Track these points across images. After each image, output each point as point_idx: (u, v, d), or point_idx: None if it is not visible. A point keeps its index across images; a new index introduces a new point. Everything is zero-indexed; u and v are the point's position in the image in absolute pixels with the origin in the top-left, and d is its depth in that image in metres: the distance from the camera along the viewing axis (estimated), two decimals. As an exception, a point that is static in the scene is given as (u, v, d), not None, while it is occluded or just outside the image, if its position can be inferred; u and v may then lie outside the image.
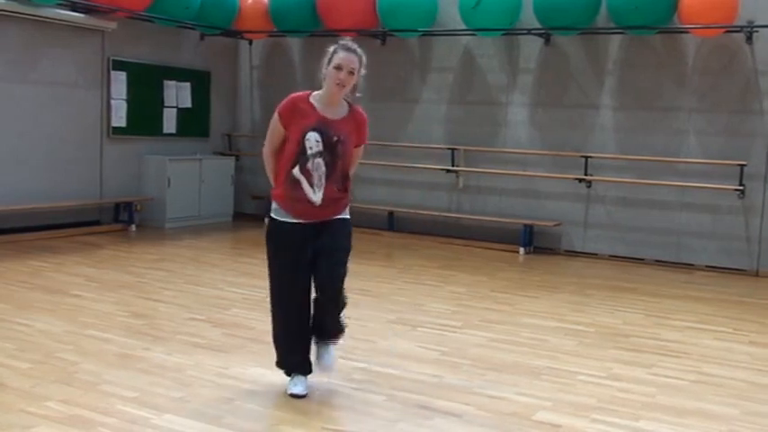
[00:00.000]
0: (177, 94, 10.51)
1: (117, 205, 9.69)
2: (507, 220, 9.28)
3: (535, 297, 6.74)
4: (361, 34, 9.81)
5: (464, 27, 9.08)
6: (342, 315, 4.12)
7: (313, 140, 3.87)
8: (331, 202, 3.94)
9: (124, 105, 9.76)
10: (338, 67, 3.89)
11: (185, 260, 7.82)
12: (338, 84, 3.90)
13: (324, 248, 3.92)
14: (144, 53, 9.95)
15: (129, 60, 9.75)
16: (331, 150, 3.89)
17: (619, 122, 8.91)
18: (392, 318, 5.79)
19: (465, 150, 9.61)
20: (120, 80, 9.66)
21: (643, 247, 8.79)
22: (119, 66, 9.62)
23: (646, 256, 8.77)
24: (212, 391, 4.06)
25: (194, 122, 10.82)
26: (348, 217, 4.08)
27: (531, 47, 9.28)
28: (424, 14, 9.26)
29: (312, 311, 4.03)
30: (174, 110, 10.50)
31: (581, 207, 9.12)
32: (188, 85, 10.63)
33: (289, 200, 3.93)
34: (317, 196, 3.89)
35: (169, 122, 10.44)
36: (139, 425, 3.57)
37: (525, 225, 9.11)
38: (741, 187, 8.13)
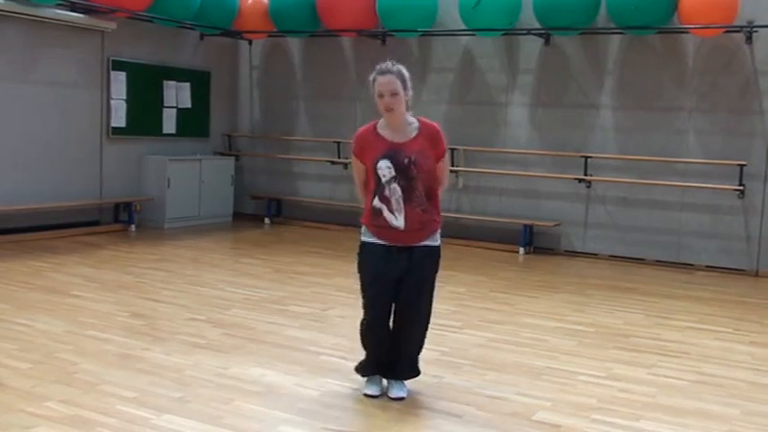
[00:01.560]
0: (177, 95, 10.51)
1: (117, 205, 9.69)
2: (507, 220, 9.28)
3: (535, 297, 6.74)
4: (361, 34, 9.82)
5: (464, 27, 9.08)
6: (419, 356, 4.14)
7: (384, 168, 3.89)
8: (417, 225, 3.93)
9: (124, 105, 9.76)
10: (380, 95, 3.89)
11: (185, 260, 7.82)
12: (386, 110, 3.90)
13: (405, 279, 3.94)
14: (144, 53, 9.95)
15: (129, 60, 9.75)
16: (404, 173, 3.88)
17: (619, 122, 8.91)
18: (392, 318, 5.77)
19: (465, 150, 9.61)
20: (119, 80, 9.66)
21: (643, 247, 8.79)
22: (118, 66, 9.62)
23: (646, 257, 8.77)
24: (212, 391, 4.06)
25: (194, 123, 10.82)
26: (437, 244, 4.04)
27: (530, 47, 9.28)
28: (424, 15, 9.26)
29: (395, 346, 4.06)
30: (174, 110, 10.50)
31: (581, 207, 9.12)
32: (188, 85, 10.63)
33: (373, 226, 3.98)
34: (399, 221, 3.91)
35: (169, 123, 10.44)
36: (139, 425, 3.57)
37: (525, 225, 9.12)
38: (741, 187, 8.14)
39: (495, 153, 9.53)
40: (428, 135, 3.98)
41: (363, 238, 4.04)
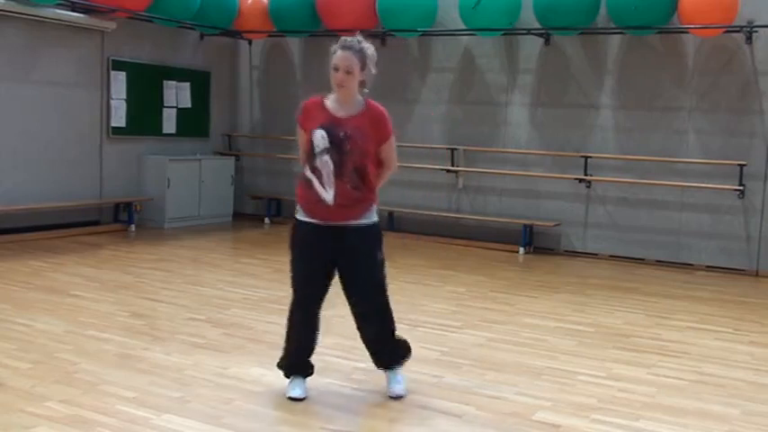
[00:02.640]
0: (177, 95, 10.51)
1: (117, 205, 9.69)
2: (507, 220, 9.28)
3: (535, 297, 6.74)
4: (361, 34, 9.80)
5: (464, 27, 9.08)
6: (396, 333, 4.07)
7: (319, 137, 3.83)
8: (347, 202, 3.84)
9: (124, 105, 9.76)
10: (335, 68, 3.89)
11: (185, 260, 7.82)
12: (337, 84, 3.88)
13: (347, 261, 3.90)
14: (144, 53, 9.95)
15: (129, 60, 9.75)
16: (338, 147, 3.82)
17: (618, 122, 8.91)
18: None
19: (465, 150, 9.61)
20: (119, 80, 9.66)
21: (643, 247, 8.79)
22: (118, 66, 9.62)
23: (646, 257, 8.77)
24: (212, 391, 4.06)
25: (194, 122, 10.82)
26: (373, 221, 3.97)
27: (530, 47, 9.27)
28: (424, 14, 9.26)
29: (360, 334, 4.03)
30: (174, 110, 10.50)
31: (581, 207, 9.12)
32: (188, 85, 10.62)
33: (304, 200, 3.93)
34: (329, 195, 3.82)
35: (169, 122, 10.44)
36: (139, 425, 3.57)
37: (525, 225, 9.11)
38: (741, 187, 8.14)
39: (495, 153, 9.53)
40: (372, 117, 3.92)
41: (297, 216, 3.97)
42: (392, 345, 4.10)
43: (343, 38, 3.97)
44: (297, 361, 4.06)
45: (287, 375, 4.08)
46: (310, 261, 3.92)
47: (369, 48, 3.94)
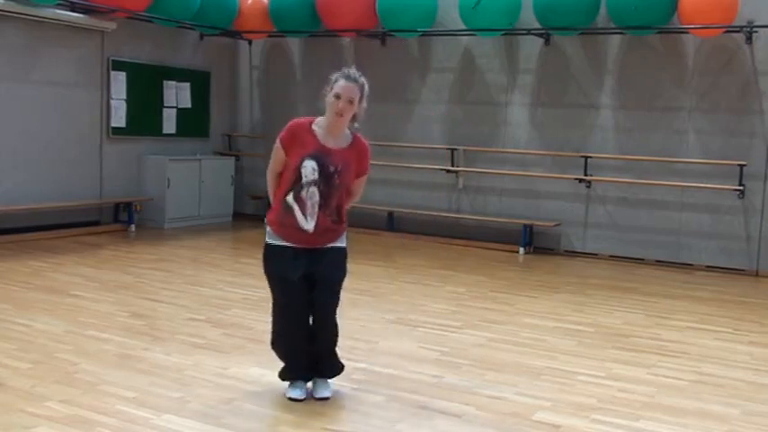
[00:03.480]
0: (177, 95, 10.51)
1: (117, 205, 9.69)
2: (507, 220, 9.28)
3: (535, 297, 6.74)
4: (361, 34, 9.82)
5: (464, 27, 9.08)
6: (337, 351, 4.11)
7: (309, 168, 3.84)
8: (325, 231, 3.91)
9: (124, 105, 9.76)
10: (337, 96, 3.87)
11: (185, 260, 7.82)
12: (337, 113, 3.87)
13: (319, 280, 3.92)
14: (144, 53, 9.96)
15: (129, 60, 9.75)
16: (327, 180, 3.85)
17: (618, 122, 8.91)
18: (392, 318, 5.78)
19: (465, 150, 9.61)
20: (119, 80, 9.67)
21: (643, 247, 8.79)
22: (118, 66, 9.63)
23: (645, 257, 8.77)
24: (212, 391, 4.06)
25: (194, 123, 10.82)
26: (344, 245, 4.05)
27: (530, 47, 9.28)
28: (424, 15, 9.26)
29: (316, 346, 4.04)
30: (174, 110, 10.50)
31: (581, 207, 9.12)
32: (188, 85, 10.63)
33: (280, 225, 3.92)
34: (309, 225, 3.86)
35: (169, 123, 10.44)
36: (139, 425, 3.57)
37: (525, 225, 9.11)
38: (741, 187, 8.14)
39: (495, 153, 9.53)
40: (358, 151, 3.99)
41: (269, 240, 3.97)
42: (334, 359, 4.12)
43: (344, 69, 3.97)
44: (297, 370, 4.06)
45: (286, 381, 4.08)
46: (292, 282, 3.89)
47: (366, 83, 3.98)
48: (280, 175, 4.00)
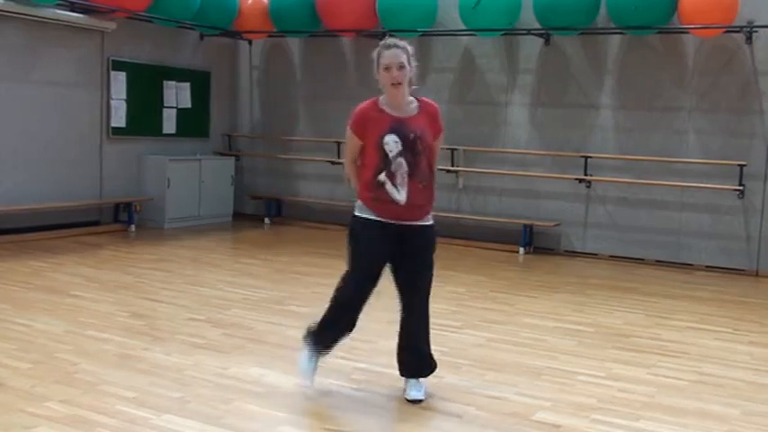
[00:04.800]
0: (177, 95, 10.51)
1: (117, 205, 9.69)
2: (507, 220, 9.28)
3: (535, 297, 6.74)
4: (361, 35, 9.82)
5: (464, 27, 9.08)
6: (431, 348, 4.10)
7: (392, 143, 3.87)
8: (418, 200, 3.91)
9: (124, 106, 9.76)
10: (387, 68, 3.89)
11: (185, 260, 7.82)
12: (393, 84, 3.89)
13: (407, 260, 3.94)
14: (144, 53, 9.96)
15: (129, 60, 9.75)
16: (411, 148, 3.88)
17: (618, 122, 8.92)
18: (392, 318, 5.77)
19: (465, 150, 9.61)
20: (119, 80, 9.66)
21: (643, 247, 8.79)
22: (118, 66, 9.62)
23: (645, 257, 8.77)
24: (212, 391, 4.06)
25: (194, 123, 10.82)
26: (431, 223, 4.05)
27: (530, 47, 9.28)
28: (424, 14, 9.26)
29: (401, 332, 4.05)
30: (174, 110, 10.50)
31: (581, 207, 9.12)
32: (188, 85, 10.63)
33: (372, 201, 3.94)
34: (401, 195, 3.87)
35: (169, 123, 10.44)
36: (139, 425, 3.57)
37: (525, 225, 9.11)
38: (741, 187, 8.14)
39: (494, 153, 9.53)
40: (428, 113, 4.04)
41: (357, 213, 3.98)
42: (426, 357, 4.09)
43: (383, 41, 3.98)
44: (323, 341, 4.05)
45: (309, 345, 4.06)
46: (375, 256, 3.92)
47: (408, 45, 4.01)
48: (356, 161, 4.04)
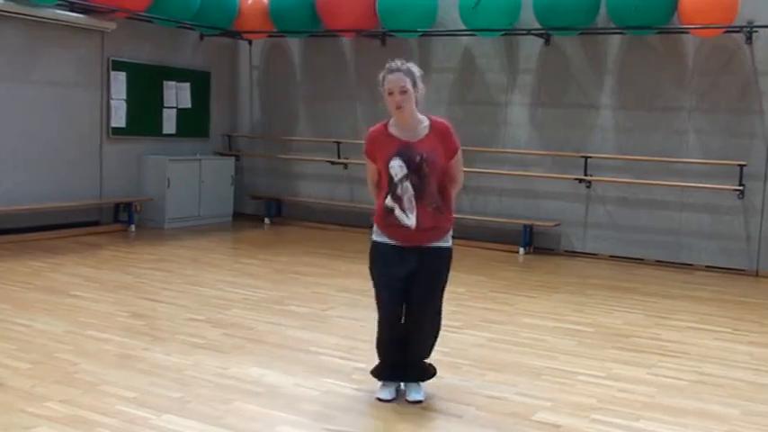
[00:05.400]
0: (177, 95, 10.51)
1: (117, 206, 9.69)
2: (507, 221, 9.28)
3: (535, 297, 6.74)
4: (361, 35, 9.82)
5: (464, 27, 9.08)
6: (428, 357, 4.13)
7: (396, 167, 3.87)
8: (428, 224, 3.92)
9: (124, 106, 9.76)
10: (390, 93, 3.88)
11: (185, 260, 7.82)
12: (397, 108, 3.88)
13: (417, 281, 3.94)
14: (144, 53, 9.96)
15: (129, 61, 9.75)
16: (417, 171, 3.87)
17: (618, 122, 8.92)
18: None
19: (465, 150, 9.56)
20: (119, 80, 9.67)
21: (643, 247, 8.79)
22: (118, 66, 9.63)
23: (645, 257, 8.77)
24: (212, 391, 4.06)
25: (194, 123, 10.82)
26: (448, 245, 4.06)
27: (530, 47, 9.28)
28: (424, 15, 9.26)
29: (403, 347, 4.05)
30: (174, 110, 10.51)
31: (581, 207, 9.12)
32: (188, 85, 10.63)
33: (385, 226, 3.96)
34: (410, 220, 3.88)
35: (169, 123, 10.44)
36: (139, 425, 3.57)
37: (525, 225, 9.11)
38: (741, 187, 8.14)
39: (495, 153, 9.53)
40: (438, 133, 4.00)
41: (374, 238, 4.04)
42: (422, 366, 4.13)
43: (388, 64, 3.97)
44: (386, 369, 4.08)
45: (379, 380, 4.11)
46: (391, 283, 3.93)
47: (414, 66, 3.98)
48: (377, 183, 4.06)
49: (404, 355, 4.07)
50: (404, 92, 3.87)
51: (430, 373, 4.15)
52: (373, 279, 4.04)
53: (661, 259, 8.69)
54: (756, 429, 3.85)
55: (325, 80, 10.63)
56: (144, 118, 10.04)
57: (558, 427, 3.76)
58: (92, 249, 8.17)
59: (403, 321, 4.03)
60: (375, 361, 4.60)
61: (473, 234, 9.51)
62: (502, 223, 9.33)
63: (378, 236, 4.01)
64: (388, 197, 3.92)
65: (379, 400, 3.99)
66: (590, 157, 8.85)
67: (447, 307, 6.13)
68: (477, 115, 9.64)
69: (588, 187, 9.00)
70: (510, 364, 4.75)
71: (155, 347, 4.78)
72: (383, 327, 4.03)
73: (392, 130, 3.98)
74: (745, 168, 8.13)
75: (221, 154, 11.16)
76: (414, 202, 3.88)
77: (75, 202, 9.10)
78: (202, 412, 3.76)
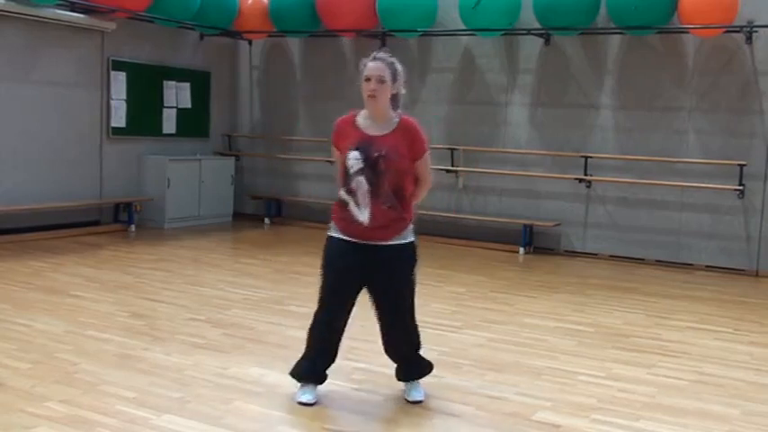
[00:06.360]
0: (177, 95, 10.51)
1: (117, 206, 9.69)
2: (507, 220, 9.28)
3: (535, 297, 6.74)
4: (361, 35, 9.82)
5: (464, 27, 9.08)
6: (421, 351, 4.08)
7: (353, 159, 3.78)
8: (382, 221, 3.81)
9: (124, 106, 9.76)
10: (367, 79, 3.82)
11: (185, 260, 7.82)
12: (370, 95, 3.79)
13: (380, 280, 3.88)
14: (144, 53, 9.95)
15: (129, 61, 9.75)
16: (373, 167, 3.76)
17: (618, 122, 8.91)
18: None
19: (465, 150, 9.60)
20: (119, 80, 9.67)
21: (643, 247, 8.79)
22: (118, 66, 9.62)
23: (645, 257, 8.77)
24: (212, 391, 4.06)
25: (194, 123, 10.82)
26: (409, 240, 3.94)
27: (530, 47, 9.27)
28: (424, 15, 9.26)
29: (384, 348, 4.02)
30: (174, 110, 10.50)
31: (581, 207, 9.12)
32: (188, 85, 10.63)
33: (339, 220, 3.90)
34: (363, 216, 3.79)
35: (169, 123, 10.44)
36: (139, 425, 3.57)
37: (525, 225, 9.11)
38: (741, 187, 8.13)
39: (495, 153, 9.53)
40: (406, 132, 3.85)
41: (329, 233, 3.96)
42: (416, 362, 4.09)
43: (373, 53, 3.93)
44: (313, 370, 3.98)
45: (299, 381, 4.00)
46: (341, 273, 3.87)
47: (399, 64, 3.92)
48: None
49: (395, 358, 4.05)
50: (381, 81, 3.79)
51: (426, 368, 4.10)
52: (323, 274, 3.92)
53: (661, 259, 8.69)
54: (757, 429, 3.85)
55: (326, 80, 10.62)
56: (144, 118, 10.04)
57: (558, 427, 3.76)
58: (92, 249, 8.17)
59: (380, 328, 3.96)
60: (375, 361, 4.61)
61: (473, 234, 9.52)
62: (502, 223, 9.33)
63: (333, 231, 3.93)
64: (343, 189, 3.85)
65: (301, 404, 3.87)
66: (590, 157, 8.85)
67: (447, 307, 6.18)
68: (477, 115, 9.63)
69: (588, 187, 9.00)
70: (510, 364, 4.75)
71: (155, 347, 4.78)
72: (320, 325, 3.94)
73: (359, 121, 3.90)
74: (745, 168, 8.13)
75: (221, 154, 11.16)
76: (368, 198, 3.78)
77: (75, 202, 9.09)
78: (202, 412, 3.76)
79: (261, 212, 10.97)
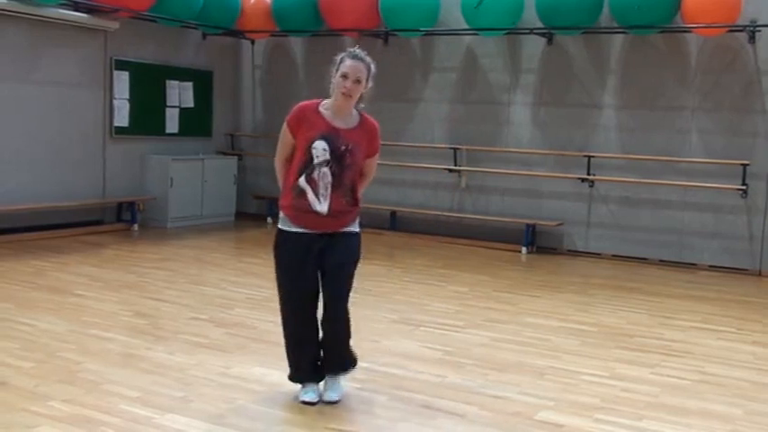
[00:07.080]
0: (180, 94, 10.51)
1: (120, 205, 9.70)
2: (510, 220, 9.27)
3: (538, 297, 6.74)
4: (364, 34, 9.81)
5: (466, 27, 9.08)
6: (351, 342, 4.04)
7: (320, 149, 3.80)
8: (338, 213, 3.86)
9: (127, 105, 9.76)
10: (344, 76, 3.83)
11: (188, 260, 7.83)
12: (344, 93, 3.83)
13: (331, 266, 3.87)
14: (146, 53, 9.96)
15: (132, 60, 9.76)
16: (338, 160, 3.81)
17: (621, 122, 8.91)
18: (395, 317, 5.78)
19: (467, 150, 9.60)
20: (122, 80, 9.67)
21: (646, 246, 8.78)
22: (121, 65, 9.63)
23: (648, 256, 8.76)
24: (215, 390, 4.07)
25: (197, 122, 10.82)
26: (357, 230, 4.00)
27: (533, 46, 9.27)
28: (427, 14, 9.26)
29: (323, 341, 3.97)
30: (177, 109, 10.51)
31: (583, 206, 9.11)
32: (190, 84, 10.63)
33: (294, 210, 3.88)
34: (322, 206, 3.81)
35: (171, 122, 10.44)
36: (142, 424, 3.57)
37: (528, 225, 9.11)
38: (744, 187, 8.12)
39: (497, 152, 9.52)
40: (367, 130, 3.94)
41: (281, 226, 3.93)
42: (345, 352, 4.03)
43: (350, 49, 3.95)
44: (309, 369, 3.98)
45: (301, 383, 3.99)
46: (303, 271, 3.85)
47: (373, 64, 3.95)
48: (288, 160, 3.97)
49: (323, 348, 3.96)
50: (357, 81, 3.83)
51: (352, 361, 4.03)
52: (280, 273, 3.90)
53: (664, 259, 8.68)
54: (759, 429, 3.84)
55: (328, 80, 10.54)
56: (147, 117, 10.04)
57: (561, 426, 3.76)
58: (95, 249, 8.18)
59: (323, 316, 3.92)
60: (376, 361, 4.61)
61: (476, 233, 9.52)
62: (505, 223, 9.33)
63: (285, 224, 3.91)
64: (302, 178, 3.84)
65: (305, 403, 3.87)
66: (593, 157, 8.84)
67: (450, 306, 6.18)
68: (479, 115, 9.63)
69: (591, 187, 8.99)
70: (513, 363, 4.75)
71: (158, 347, 4.78)
72: (296, 326, 3.92)
73: (323, 111, 3.91)
74: (748, 168, 8.11)
75: (224, 153, 11.17)
76: (329, 190, 3.81)
77: (78, 201, 9.10)
78: (205, 411, 3.76)
79: (263, 212, 10.97)
